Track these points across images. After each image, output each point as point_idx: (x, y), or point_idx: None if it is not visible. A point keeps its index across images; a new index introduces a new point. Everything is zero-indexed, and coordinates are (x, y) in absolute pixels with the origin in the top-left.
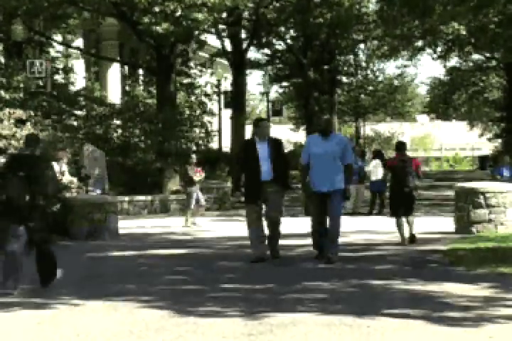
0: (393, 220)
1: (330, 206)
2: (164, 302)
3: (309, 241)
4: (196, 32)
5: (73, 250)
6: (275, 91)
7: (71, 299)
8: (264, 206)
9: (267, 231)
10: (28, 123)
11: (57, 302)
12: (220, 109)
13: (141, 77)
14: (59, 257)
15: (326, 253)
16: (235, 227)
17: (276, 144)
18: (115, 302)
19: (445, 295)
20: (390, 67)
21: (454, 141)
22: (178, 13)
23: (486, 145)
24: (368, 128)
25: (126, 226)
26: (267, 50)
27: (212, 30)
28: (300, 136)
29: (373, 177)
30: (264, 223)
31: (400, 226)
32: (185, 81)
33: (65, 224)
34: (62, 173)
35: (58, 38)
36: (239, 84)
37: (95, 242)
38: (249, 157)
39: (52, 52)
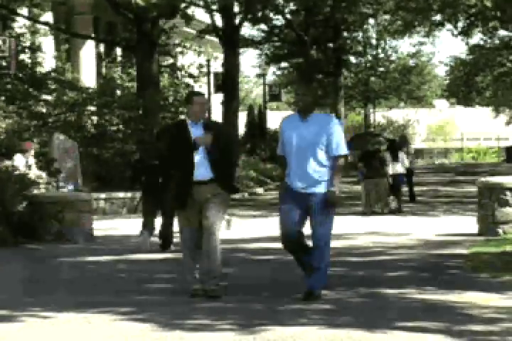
0: (406, 220)
1: (313, 219)
2: (146, 313)
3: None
4: (182, 4)
5: (41, 254)
6: (272, 72)
7: (40, 310)
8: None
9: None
10: None
11: (24, 314)
12: (209, 93)
13: (119, 57)
14: (25, 262)
15: (306, 286)
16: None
17: (217, 130)
18: (90, 313)
19: (467, 306)
20: (404, 45)
21: (477, 129)
22: None
23: None
24: (379, 115)
25: (102, 227)
26: (263, 26)
27: (201, 2)
28: None
29: (390, 171)
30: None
31: None
32: (168, 62)
33: (31, 225)
34: (28, 167)
35: (24, 11)
36: (231, 64)
37: (67, 245)
38: (177, 146)
39: (17, 28)
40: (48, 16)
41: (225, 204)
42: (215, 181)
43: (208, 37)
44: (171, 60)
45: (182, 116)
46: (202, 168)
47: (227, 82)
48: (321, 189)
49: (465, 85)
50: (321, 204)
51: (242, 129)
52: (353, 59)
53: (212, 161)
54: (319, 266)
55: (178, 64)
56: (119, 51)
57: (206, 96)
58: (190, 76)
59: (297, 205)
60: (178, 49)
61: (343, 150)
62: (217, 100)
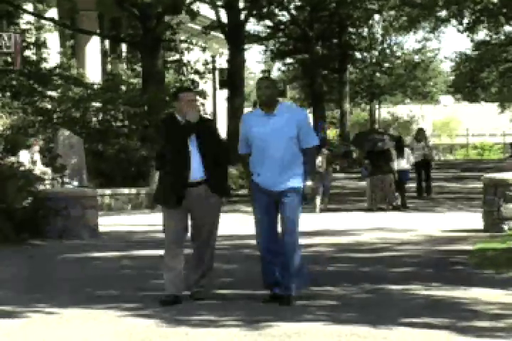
0: (411, 216)
1: (282, 214)
2: (151, 309)
3: (316, 240)
4: (187, 0)
5: (46, 250)
6: (277, 68)
7: (44, 307)
8: (190, 217)
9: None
10: None
11: (28, 310)
12: (214, 90)
13: (124, 53)
14: (29, 258)
15: (282, 289)
16: (231, 224)
17: (210, 127)
18: (94, 310)
19: (472, 302)
20: (410, 41)
21: (483, 125)
22: None
23: None
24: (384, 112)
25: (107, 223)
26: (268, 22)
27: None
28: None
29: (396, 167)
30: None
31: None
32: (174, 58)
33: (36, 221)
34: (33, 163)
35: (29, 7)
36: (236, 60)
37: (71, 241)
38: (171, 143)
39: (22, 24)
40: (52, 12)
41: (218, 214)
42: (207, 182)
43: (213, 33)
44: (176, 56)
45: None
46: (195, 168)
47: (232, 78)
48: (294, 184)
49: (470, 81)
50: (294, 201)
51: None
52: (358, 55)
53: (205, 161)
54: (295, 265)
55: (184, 60)
56: (124, 47)
57: (210, 92)
58: (196, 72)
59: (270, 204)
60: (184, 45)
61: (315, 140)
62: (222, 96)
